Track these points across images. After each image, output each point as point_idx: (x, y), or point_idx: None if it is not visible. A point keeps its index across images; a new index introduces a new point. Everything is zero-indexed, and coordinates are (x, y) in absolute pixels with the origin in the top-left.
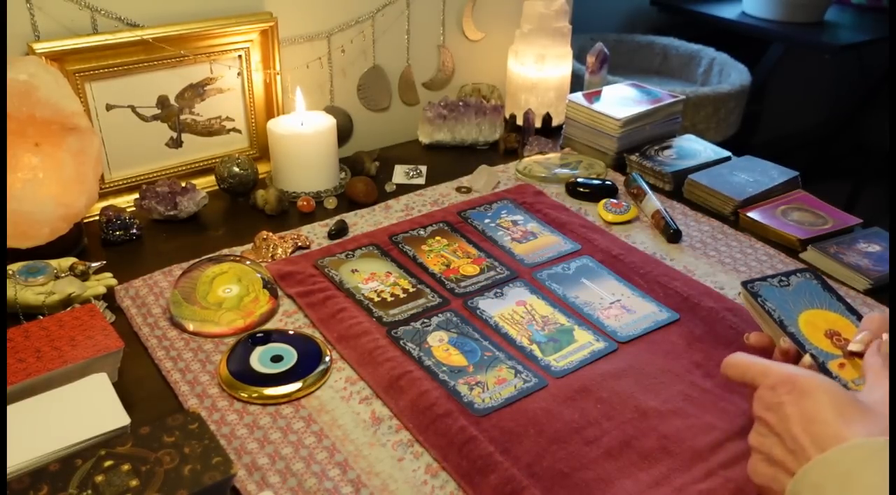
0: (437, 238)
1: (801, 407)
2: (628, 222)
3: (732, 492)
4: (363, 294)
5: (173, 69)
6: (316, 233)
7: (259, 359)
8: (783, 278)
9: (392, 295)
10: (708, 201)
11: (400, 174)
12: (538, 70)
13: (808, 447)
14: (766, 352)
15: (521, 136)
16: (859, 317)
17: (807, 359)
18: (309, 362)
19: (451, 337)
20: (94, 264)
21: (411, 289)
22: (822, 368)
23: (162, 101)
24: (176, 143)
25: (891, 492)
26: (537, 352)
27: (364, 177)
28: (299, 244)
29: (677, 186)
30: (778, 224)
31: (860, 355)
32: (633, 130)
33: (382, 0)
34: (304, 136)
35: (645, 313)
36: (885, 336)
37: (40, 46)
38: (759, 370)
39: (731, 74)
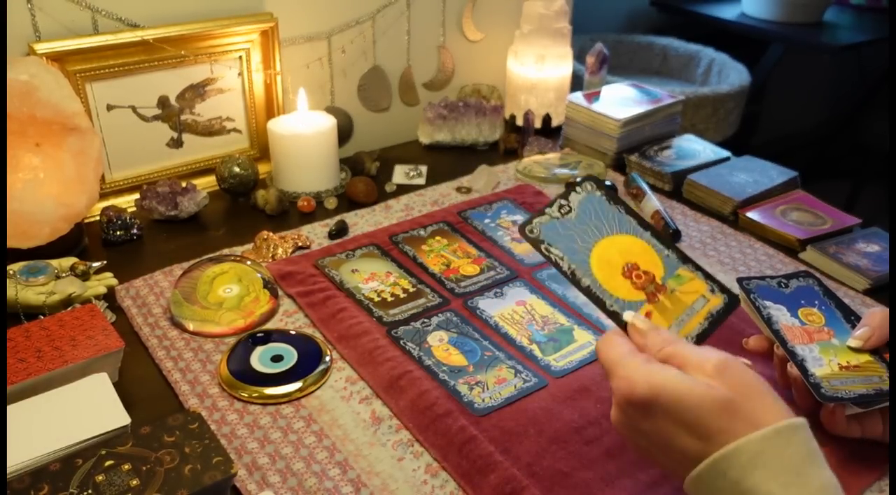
0: (437, 238)
1: (654, 424)
2: None
3: None
4: (363, 294)
5: (174, 69)
6: (316, 233)
7: (259, 359)
8: (563, 202)
9: (392, 295)
10: (707, 201)
11: (400, 174)
12: (538, 70)
13: (677, 469)
14: (766, 355)
15: (520, 137)
16: (654, 233)
17: (793, 371)
18: (309, 362)
19: (451, 336)
20: (94, 264)
21: (411, 289)
22: (801, 368)
23: (162, 102)
24: (176, 144)
25: (891, 490)
26: (537, 352)
27: (364, 177)
28: (299, 244)
29: (677, 186)
30: (777, 224)
31: (861, 351)
32: (632, 130)
33: (382, 0)
34: (305, 137)
35: None
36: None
37: (41, 47)
38: (608, 366)
39: (731, 75)
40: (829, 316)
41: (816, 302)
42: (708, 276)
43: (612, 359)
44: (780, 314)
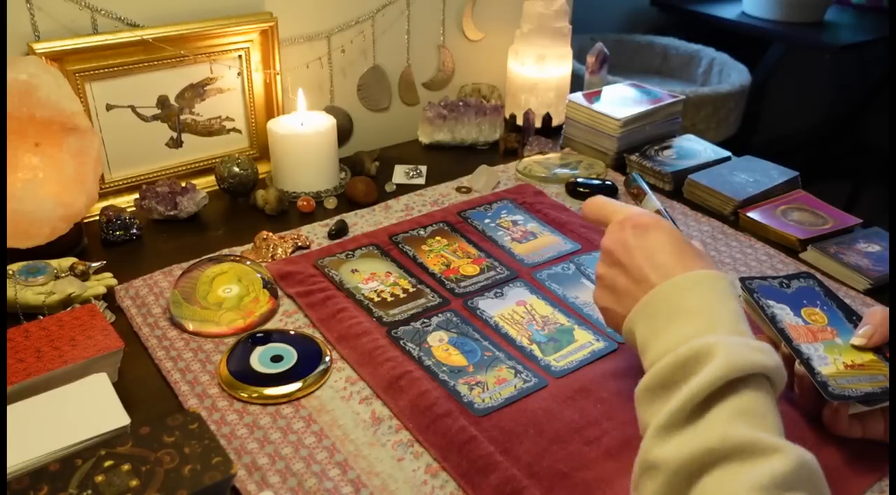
0: (437, 238)
1: (644, 241)
2: None
3: None
4: (363, 294)
5: (173, 69)
6: (316, 233)
7: (259, 359)
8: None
9: (392, 295)
10: (708, 201)
11: (400, 174)
12: (538, 70)
13: (652, 276)
14: None
15: (521, 136)
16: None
17: (799, 368)
18: (309, 362)
19: (451, 337)
20: (94, 264)
21: (411, 289)
22: (808, 366)
23: (162, 101)
24: (176, 143)
25: (891, 490)
26: (537, 352)
27: (364, 177)
28: (299, 244)
29: (677, 186)
30: (778, 224)
31: (864, 349)
32: (633, 130)
33: (382, 0)
34: (304, 136)
35: None
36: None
37: (40, 46)
38: (612, 209)
39: (731, 74)
40: (832, 316)
41: (818, 302)
42: None
43: (618, 203)
44: (784, 313)
